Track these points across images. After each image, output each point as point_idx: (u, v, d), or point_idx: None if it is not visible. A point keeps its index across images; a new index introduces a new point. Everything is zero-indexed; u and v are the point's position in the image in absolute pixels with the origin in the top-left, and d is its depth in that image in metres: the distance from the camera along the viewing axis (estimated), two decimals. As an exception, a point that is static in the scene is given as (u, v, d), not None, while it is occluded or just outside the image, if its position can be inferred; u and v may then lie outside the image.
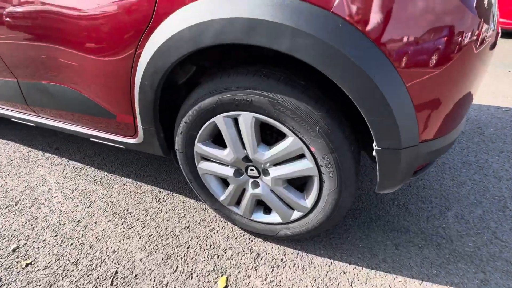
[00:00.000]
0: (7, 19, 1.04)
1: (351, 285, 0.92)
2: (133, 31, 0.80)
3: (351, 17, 0.58)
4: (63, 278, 0.95)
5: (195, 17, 0.69)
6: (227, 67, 0.85)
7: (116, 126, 1.09)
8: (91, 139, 1.23)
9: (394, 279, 0.94)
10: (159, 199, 1.31)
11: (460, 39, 0.60)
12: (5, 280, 0.95)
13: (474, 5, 0.61)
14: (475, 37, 0.63)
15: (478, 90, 0.94)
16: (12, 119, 1.47)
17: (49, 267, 0.99)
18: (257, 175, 0.93)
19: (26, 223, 1.18)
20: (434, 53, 0.59)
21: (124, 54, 0.85)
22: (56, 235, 1.12)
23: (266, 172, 0.90)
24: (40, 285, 0.93)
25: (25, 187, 1.40)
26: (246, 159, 0.89)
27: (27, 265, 1.00)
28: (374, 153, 0.71)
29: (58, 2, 0.90)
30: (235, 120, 0.83)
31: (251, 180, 0.96)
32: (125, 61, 0.86)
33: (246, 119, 0.80)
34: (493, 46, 0.77)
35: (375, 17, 0.57)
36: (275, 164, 0.87)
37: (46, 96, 1.19)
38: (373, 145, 0.70)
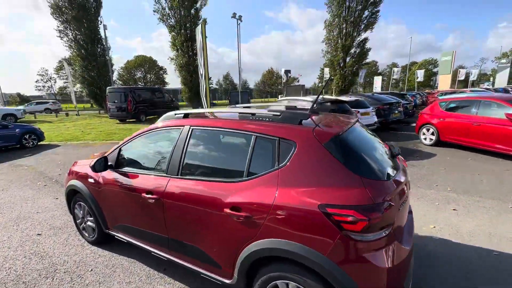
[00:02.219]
0: (172, 213, 2.16)
1: None
2: (246, 237, 1.80)
3: (319, 246, 1.50)
4: None
5: (269, 240, 1.67)
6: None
7: (219, 272, 2.02)
8: (201, 275, 2.16)
9: None
10: (235, 317, 2.11)
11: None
12: None
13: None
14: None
15: None
16: (152, 253, 2.52)
17: None
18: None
19: (161, 327, 2.05)
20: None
21: (238, 245, 1.84)
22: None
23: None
24: None
25: (154, 299, 2.32)
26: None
27: None
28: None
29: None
30: (287, 284, 1.72)
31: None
32: (237, 248, 1.85)
33: (293, 284, 1.68)
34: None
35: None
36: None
37: (181, 247, 2.22)
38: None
